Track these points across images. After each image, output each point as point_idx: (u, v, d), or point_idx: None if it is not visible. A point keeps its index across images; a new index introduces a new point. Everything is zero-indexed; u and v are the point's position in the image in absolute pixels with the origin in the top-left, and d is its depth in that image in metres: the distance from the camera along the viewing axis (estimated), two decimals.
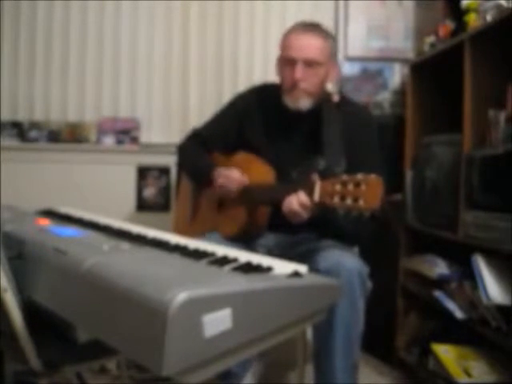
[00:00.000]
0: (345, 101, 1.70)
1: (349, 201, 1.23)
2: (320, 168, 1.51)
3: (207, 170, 1.66)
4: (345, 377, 1.39)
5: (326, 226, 1.53)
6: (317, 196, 1.31)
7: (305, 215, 1.37)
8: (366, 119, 1.69)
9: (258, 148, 1.66)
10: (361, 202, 1.20)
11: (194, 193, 1.88)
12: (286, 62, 1.58)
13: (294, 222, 1.41)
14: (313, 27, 1.59)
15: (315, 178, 1.33)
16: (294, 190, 1.38)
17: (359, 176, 1.23)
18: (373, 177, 1.21)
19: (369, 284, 1.45)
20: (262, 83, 1.82)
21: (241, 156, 1.70)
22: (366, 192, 1.20)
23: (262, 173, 1.60)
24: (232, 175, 1.58)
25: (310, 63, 1.55)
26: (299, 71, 1.54)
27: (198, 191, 1.86)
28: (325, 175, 1.34)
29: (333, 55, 1.63)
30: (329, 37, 1.61)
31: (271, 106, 1.69)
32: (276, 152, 1.64)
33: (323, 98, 1.64)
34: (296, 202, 1.36)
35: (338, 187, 1.26)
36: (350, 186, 1.23)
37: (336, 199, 1.26)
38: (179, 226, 1.96)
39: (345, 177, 1.26)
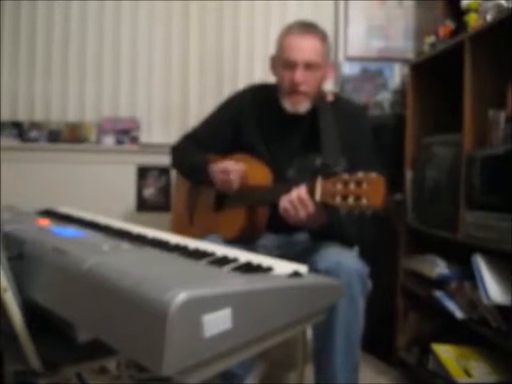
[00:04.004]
0: (339, 100, 1.70)
1: (351, 200, 1.21)
2: (317, 166, 1.50)
3: (202, 167, 1.64)
4: (346, 377, 1.39)
5: (327, 228, 1.51)
6: (318, 195, 1.29)
7: (302, 213, 1.33)
8: (360, 117, 1.69)
9: (254, 148, 1.65)
10: (363, 201, 1.18)
11: (190, 195, 1.87)
12: (285, 64, 1.57)
13: (290, 221, 1.37)
14: (311, 28, 1.58)
15: (316, 177, 1.31)
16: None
17: (360, 174, 1.21)
18: (374, 175, 1.20)
19: (369, 284, 1.45)
20: (255, 83, 1.82)
21: (237, 157, 1.68)
22: (368, 190, 1.19)
23: (258, 174, 1.59)
24: (229, 167, 1.55)
25: (309, 66, 1.54)
26: (300, 74, 1.53)
27: (193, 193, 1.85)
28: (322, 174, 1.32)
29: (329, 55, 1.64)
30: (325, 37, 1.60)
31: (267, 106, 1.68)
32: (272, 151, 1.64)
33: (318, 98, 1.63)
34: (296, 195, 1.33)
35: (339, 186, 1.24)
36: (352, 185, 1.21)
37: (338, 199, 1.24)
38: (177, 230, 1.94)
39: (346, 176, 1.24)
